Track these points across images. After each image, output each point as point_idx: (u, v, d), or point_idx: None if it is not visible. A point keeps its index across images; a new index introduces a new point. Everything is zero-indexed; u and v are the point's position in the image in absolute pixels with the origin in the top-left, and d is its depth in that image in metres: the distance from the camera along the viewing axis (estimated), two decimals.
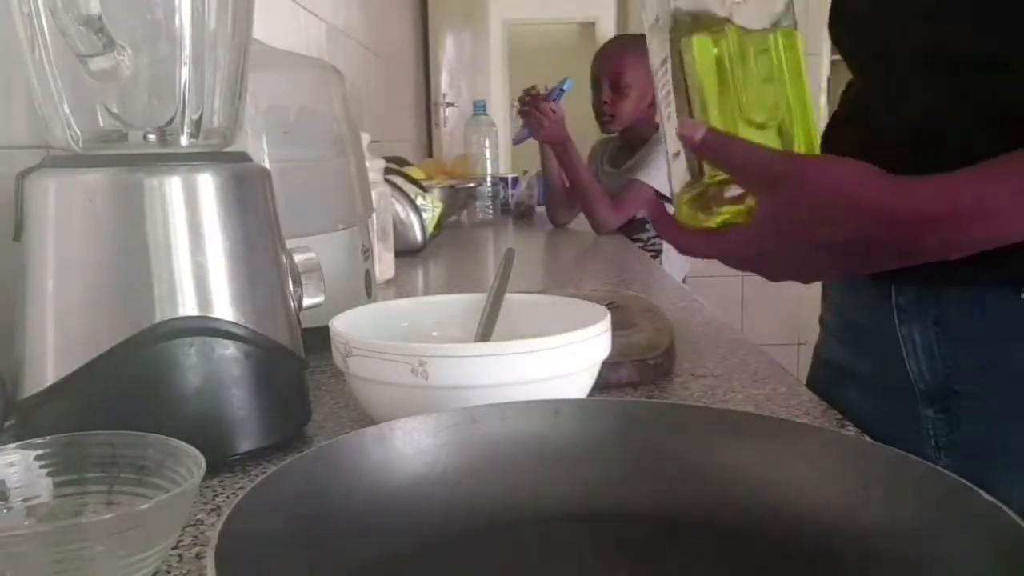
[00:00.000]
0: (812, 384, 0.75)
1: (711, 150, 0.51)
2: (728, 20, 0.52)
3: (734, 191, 0.53)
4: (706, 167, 0.53)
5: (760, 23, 0.52)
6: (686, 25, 0.53)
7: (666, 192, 1.82)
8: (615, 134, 2.18)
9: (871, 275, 0.62)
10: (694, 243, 0.56)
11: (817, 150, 0.53)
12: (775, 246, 0.52)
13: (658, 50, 0.55)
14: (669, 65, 0.54)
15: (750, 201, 0.52)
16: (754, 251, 0.53)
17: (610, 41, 2.27)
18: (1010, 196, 0.46)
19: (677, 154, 0.55)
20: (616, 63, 2.03)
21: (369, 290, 0.93)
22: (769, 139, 0.52)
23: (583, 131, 2.30)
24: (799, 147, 0.52)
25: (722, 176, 0.52)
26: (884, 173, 0.48)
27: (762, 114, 0.52)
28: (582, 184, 1.97)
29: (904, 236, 0.48)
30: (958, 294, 0.59)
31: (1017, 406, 0.61)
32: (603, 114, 2.05)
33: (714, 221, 0.54)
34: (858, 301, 0.69)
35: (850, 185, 0.48)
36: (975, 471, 0.51)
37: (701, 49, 0.52)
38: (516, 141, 2.13)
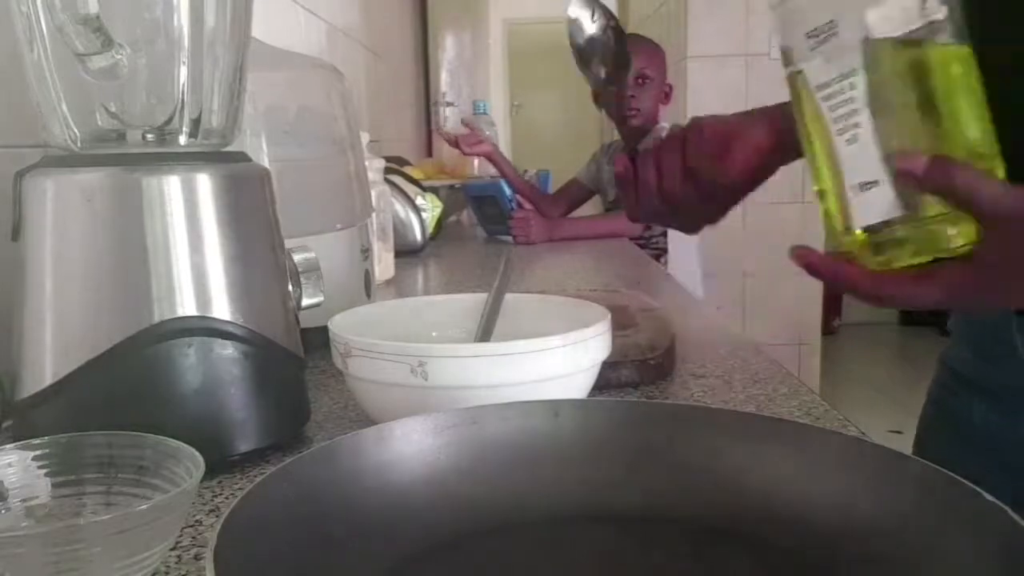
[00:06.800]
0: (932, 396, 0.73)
1: (937, 173, 0.44)
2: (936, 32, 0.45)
3: (951, 229, 0.46)
4: (923, 200, 0.46)
5: (954, 33, 0.46)
6: (889, 37, 0.45)
7: None
8: (616, 139, 2.18)
9: None
10: (909, 288, 0.47)
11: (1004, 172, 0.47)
12: (1006, 280, 0.46)
13: (837, 63, 0.47)
14: (859, 80, 0.46)
15: (962, 241, 0.46)
16: (984, 290, 0.47)
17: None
18: None
19: (870, 184, 0.47)
20: (639, 58, 2.04)
21: (368, 290, 0.93)
22: (988, 167, 0.46)
23: (583, 134, 2.30)
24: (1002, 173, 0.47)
25: (941, 211, 0.46)
26: None
27: (985, 140, 0.46)
28: (516, 187, 2.15)
29: None
30: None
31: None
32: (628, 108, 2.04)
33: (917, 259, 0.47)
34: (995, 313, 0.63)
35: None
36: None
37: (941, 62, 0.45)
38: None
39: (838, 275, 0.49)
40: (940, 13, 0.45)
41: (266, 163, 0.79)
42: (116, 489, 0.43)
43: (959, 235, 0.46)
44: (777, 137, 0.64)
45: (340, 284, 0.84)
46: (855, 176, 0.48)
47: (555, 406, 0.44)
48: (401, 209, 1.60)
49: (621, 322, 0.79)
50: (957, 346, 0.73)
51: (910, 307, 0.49)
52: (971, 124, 0.46)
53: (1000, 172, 0.46)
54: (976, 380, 0.71)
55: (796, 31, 0.49)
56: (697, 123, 0.66)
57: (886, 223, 0.47)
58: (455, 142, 2.21)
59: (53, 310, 0.51)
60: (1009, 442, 0.67)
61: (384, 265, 1.33)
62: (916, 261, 0.47)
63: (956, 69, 0.45)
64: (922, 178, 0.45)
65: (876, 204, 0.47)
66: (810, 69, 0.49)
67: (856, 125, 0.47)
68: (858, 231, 0.48)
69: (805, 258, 0.50)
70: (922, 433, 0.78)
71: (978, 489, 0.32)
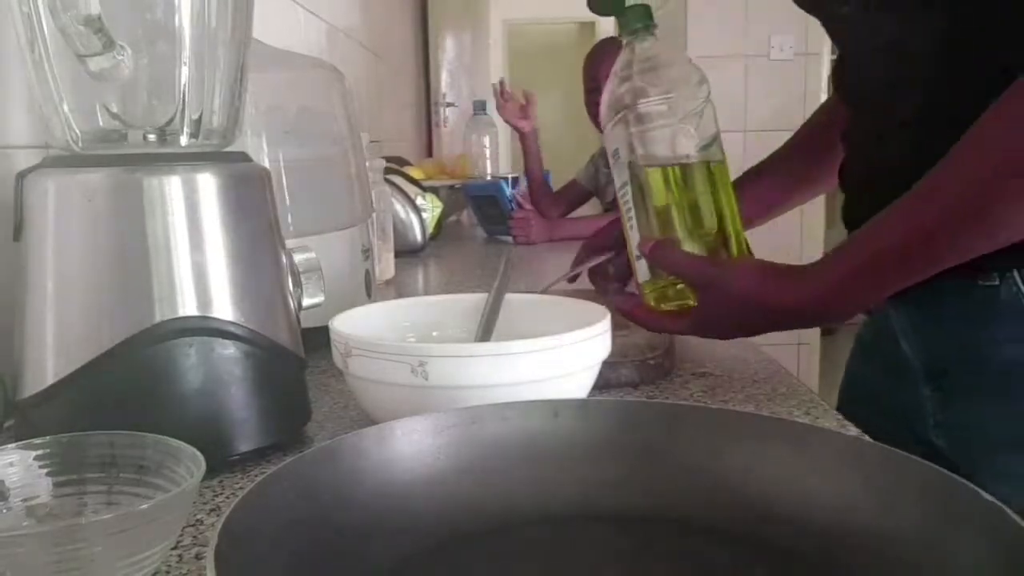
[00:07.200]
0: (848, 364, 0.89)
1: (659, 259, 0.69)
2: (678, 156, 0.68)
3: (679, 288, 0.69)
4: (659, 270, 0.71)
5: (700, 154, 0.68)
6: (642, 160, 0.69)
7: None
8: None
9: None
10: (663, 322, 0.71)
11: (744, 247, 0.70)
12: (714, 325, 0.69)
13: (619, 176, 0.71)
14: (629, 188, 0.70)
15: (691, 299, 0.69)
16: (702, 329, 0.70)
17: (603, 43, 2.26)
18: (853, 278, 0.62)
19: (639, 256, 0.71)
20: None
21: (369, 290, 0.93)
22: (709, 245, 0.68)
23: (583, 135, 2.30)
24: (732, 249, 0.69)
25: (670, 278, 0.70)
26: (775, 273, 0.65)
27: (702, 226, 0.68)
28: (532, 178, 2.16)
29: (792, 320, 0.65)
30: (932, 280, 0.64)
31: (988, 388, 0.66)
32: None
33: (671, 306, 0.70)
34: None
35: (748, 289, 0.65)
36: (964, 451, 0.68)
37: (655, 179, 0.69)
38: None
39: (629, 311, 0.72)
40: (688, 149, 0.68)
41: (266, 163, 0.79)
42: (117, 489, 0.43)
43: (686, 292, 0.68)
44: None
45: (341, 284, 0.84)
46: (634, 249, 0.71)
47: (555, 406, 0.44)
48: (401, 209, 1.60)
49: (621, 322, 0.79)
50: (866, 325, 0.87)
51: (673, 333, 0.74)
52: (705, 217, 0.68)
53: (735, 248, 0.69)
54: (873, 346, 0.83)
55: (608, 150, 0.71)
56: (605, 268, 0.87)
57: (647, 282, 0.71)
58: (503, 93, 2.20)
59: (54, 310, 0.51)
60: (895, 399, 0.77)
61: (384, 265, 1.33)
62: (670, 306, 0.70)
63: (687, 180, 0.68)
64: (648, 257, 0.69)
65: (642, 269, 0.71)
66: (615, 175, 0.71)
67: (632, 216, 0.71)
68: (643, 283, 0.71)
69: (616, 303, 0.72)
70: (841, 402, 0.89)
71: (977, 489, 0.32)
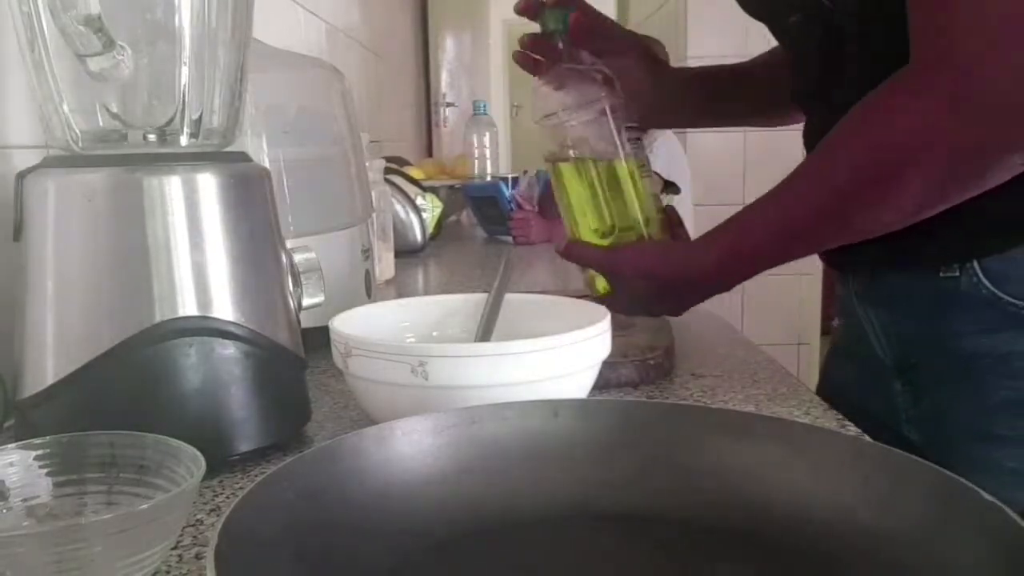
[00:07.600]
0: (823, 367, 0.91)
1: (571, 258, 0.76)
2: (573, 156, 0.74)
3: (600, 277, 0.75)
4: None
5: (601, 153, 0.74)
6: (550, 160, 0.76)
7: (664, 175, 1.84)
8: None
9: (830, 265, 0.80)
10: (601, 302, 0.74)
11: (656, 233, 0.75)
12: (632, 304, 0.74)
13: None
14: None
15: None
16: (624, 308, 0.74)
17: None
18: (748, 251, 0.68)
19: None
20: None
21: (369, 290, 0.93)
22: (619, 236, 0.73)
23: None
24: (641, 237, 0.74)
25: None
26: (667, 249, 0.72)
27: (604, 219, 0.74)
28: None
29: (687, 289, 0.72)
30: (896, 275, 0.67)
31: (954, 379, 0.67)
32: None
33: (597, 290, 0.76)
34: (841, 285, 0.83)
35: (643, 265, 0.71)
36: (937, 444, 0.71)
37: (556, 177, 0.76)
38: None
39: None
40: (591, 149, 0.73)
41: (266, 163, 0.79)
42: (117, 488, 0.43)
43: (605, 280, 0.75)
44: None
45: (341, 284, 0.84)
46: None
47: (555, 406, 0.44)
48: (401, 209, 1.60)
49: (621, 322, 0.80)
50: (839, 328, 0.88)
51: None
52: (605, 210, 0.73)
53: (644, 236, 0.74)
54: (846, 348, 0.84)
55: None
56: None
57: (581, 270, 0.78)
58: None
59: (54, 310, 0.51)
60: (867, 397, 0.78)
61: (384, 265, 1.33)
62: (601, 292, 0.75)
63: (586, 177, 0.74)
64: (563, 255, 0.76)
65: None
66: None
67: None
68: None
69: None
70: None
71: (977, 489, 0.32)
